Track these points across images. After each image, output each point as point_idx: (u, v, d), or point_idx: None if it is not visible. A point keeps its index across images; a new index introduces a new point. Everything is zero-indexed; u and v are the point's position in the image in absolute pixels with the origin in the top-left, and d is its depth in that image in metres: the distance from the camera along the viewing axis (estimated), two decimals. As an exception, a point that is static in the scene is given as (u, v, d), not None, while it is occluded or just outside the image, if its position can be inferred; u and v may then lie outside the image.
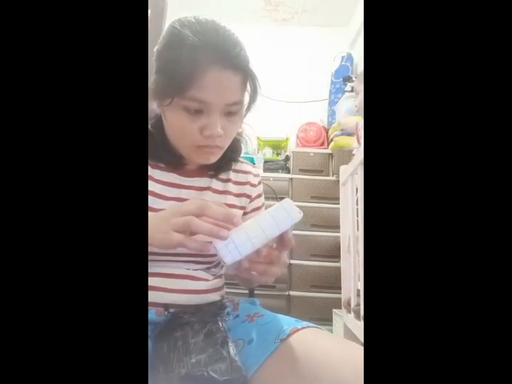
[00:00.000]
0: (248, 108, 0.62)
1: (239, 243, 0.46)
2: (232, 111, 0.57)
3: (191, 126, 0.56)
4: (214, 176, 0.69)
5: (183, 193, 0.65)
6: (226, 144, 0.61)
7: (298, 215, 0.48)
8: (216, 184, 0.69)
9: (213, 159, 0.61)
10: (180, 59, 0.53)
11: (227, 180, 0.71)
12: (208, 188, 0.68)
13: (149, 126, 0.63)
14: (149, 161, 0.64)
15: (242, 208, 0.72)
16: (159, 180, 0.64)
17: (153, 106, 0.61)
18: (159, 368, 0.49)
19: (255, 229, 0.47)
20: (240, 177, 0.73)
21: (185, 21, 0.56)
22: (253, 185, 0.74)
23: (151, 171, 0.64)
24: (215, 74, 0.53)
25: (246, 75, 0.57)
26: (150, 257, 0.58)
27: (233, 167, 0.71)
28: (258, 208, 0.75)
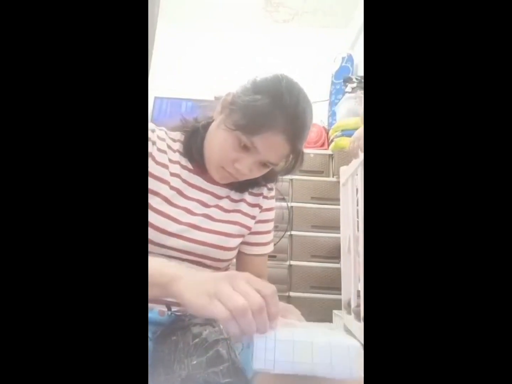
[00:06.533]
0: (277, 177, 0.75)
1: (279, 355, 0.37)
2: (267, 165, 0.66)
3: (231, 153, 0.63)
4: (233, 188, 0.74)
5: (203, 197, 0.70)
6: (243, 179, 0.68)
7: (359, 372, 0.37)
8: (234, 194, 0.74)
9: (225, 181, 0.69)
10: (267, 108, 0.60)
11: (244, 190, 0.76)
12: (226, 197, 0.73)
13: (200, 125, 0.70)
14: (179, 160, 0.70)
15: (253, 217, 0.76)
16: (185, 180, 0.69)
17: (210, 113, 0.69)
18: (159, 370, 0.49)
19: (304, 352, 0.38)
20: (256, 189, 0.77)
21: (293, 84, 0.66)
22: (265, 197, 0.78)
23: (180, 171, 0.69)
24: (279, 138, 0.61)
25: (295, 154, 0.66)
26: (152, 255, 0.58)
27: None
28: (264, 221, 0.78)
